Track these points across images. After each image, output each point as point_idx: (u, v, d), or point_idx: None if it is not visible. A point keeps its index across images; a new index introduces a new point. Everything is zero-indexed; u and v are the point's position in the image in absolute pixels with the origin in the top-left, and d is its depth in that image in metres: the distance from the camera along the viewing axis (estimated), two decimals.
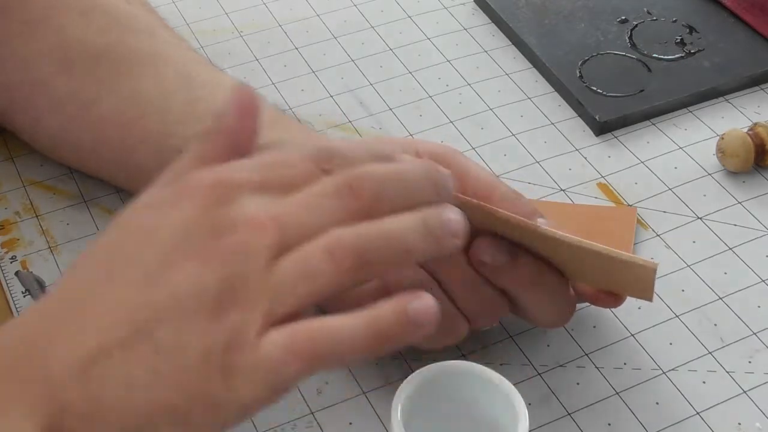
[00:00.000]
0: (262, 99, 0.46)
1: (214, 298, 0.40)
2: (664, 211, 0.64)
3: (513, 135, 0.69)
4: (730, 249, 0.61)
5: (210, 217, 0.42)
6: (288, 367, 0.39)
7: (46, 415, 0.40)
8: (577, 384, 0.55)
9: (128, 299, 0.41)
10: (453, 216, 0.44)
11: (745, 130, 0.66)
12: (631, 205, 0.64)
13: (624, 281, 0.51)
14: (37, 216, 0.64)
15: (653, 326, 0.57)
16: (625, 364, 0.55)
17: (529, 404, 0.46)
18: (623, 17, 0.77)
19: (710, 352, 0.56)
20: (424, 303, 0.41)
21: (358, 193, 0.43)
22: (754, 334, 0.57)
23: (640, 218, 0.63)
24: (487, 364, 0.48)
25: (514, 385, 0.46)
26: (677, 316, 0.58)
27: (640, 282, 0.50)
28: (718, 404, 0.54)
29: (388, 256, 0.42)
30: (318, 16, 0.79)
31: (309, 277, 0.41)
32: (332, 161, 0.44)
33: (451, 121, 0.70)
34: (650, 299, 0.51)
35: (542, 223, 0.50)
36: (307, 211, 0.42)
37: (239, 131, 0.45)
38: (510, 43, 0.76)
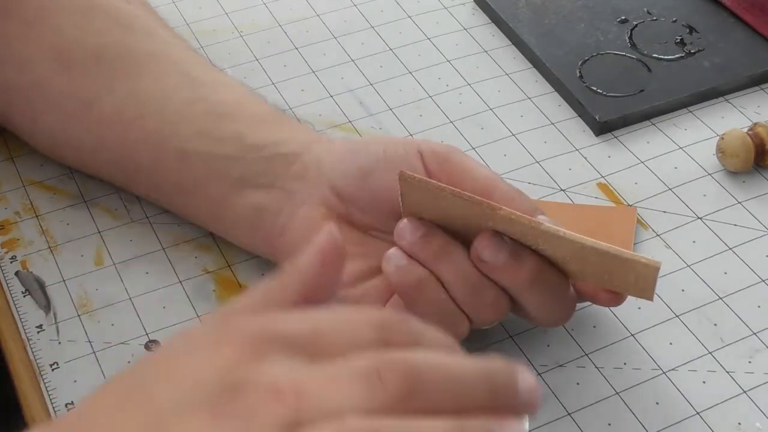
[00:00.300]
0: (342, 251, 0.42)
1: None
2: (664, 211, 0.64)
3: (513, 135, 0.69)
4: (730, 249, 0.62)
5: (234, 372, 0.38)
6: None
7: None
8: (577, 384, 0.55)
9: None
10: (509, 430, 0.38)
11: (745, 130, 0.66)
12: (631, 205, 0.64)
13: (625, 280, 0.51)
14: (37, 216, 0.64)
15: (653, 326, 0.57)
16: (625, 364, 0.55)
17: None
18: (623, 17, 0.77)
19: (710, 352, 0.56)
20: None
21: (388, 382, 0.37)
22: (754, 334, 0.57)
23: (640, 218, 0.63)
24: None
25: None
26: (677, 316, 0.58)
27: (641, 281, 0.50)
28: (718, 404, 0.54)
29: None
30: (318, 16, 0.79)
31: None
32: (397, 333, 0.40)
33: (451, 121, 0.70)
34: (650, 299, 0.51)
35: (544, 221, 0.50)
36: (332, 390, 0.37)
37: (313, 280, 0.42)
38: (510, 43, 0.76)
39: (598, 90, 0.71)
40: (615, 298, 0.53)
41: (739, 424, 0.53)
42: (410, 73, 0.74)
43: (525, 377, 0.39)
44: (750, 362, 0.56)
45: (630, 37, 0.75)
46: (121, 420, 0.39)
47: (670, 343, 0.56)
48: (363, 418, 0.36)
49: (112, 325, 0.58)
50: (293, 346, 0.39)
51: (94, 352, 0.56)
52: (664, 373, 0.55)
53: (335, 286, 0.42)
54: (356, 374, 0.37)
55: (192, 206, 0.60)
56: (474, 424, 0.37)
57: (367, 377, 0.37)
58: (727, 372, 0.55)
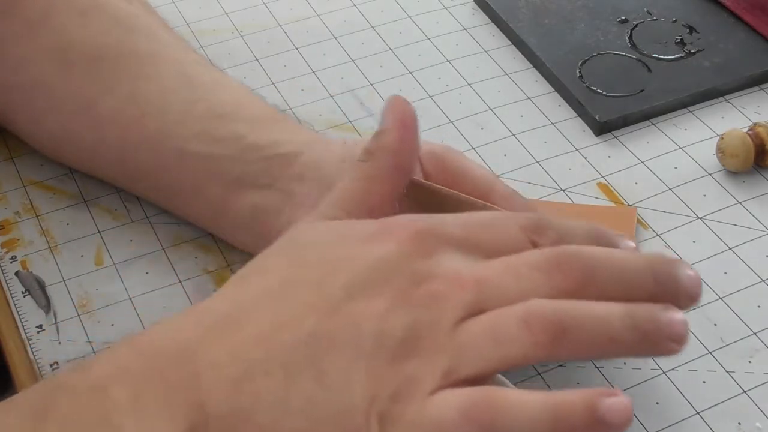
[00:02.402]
0: (415, 112, 0.44)
1: (397, 342, 0.38)
2: (664, 211, 0.64)
3: (513, 135, 0.69)
4: (730, 249, 0.62)
5: (410, 262, 0.39)
6: (455, 430, 0.37)
7: (189, 422, 0.38)
8: (577, 384, 0.55)
9: (303, 322, 0.39)
10: (673, 318, 0.40)
11: (745, 130, 0.66)
12: (631, 205, 0.64)
13: None
14: (37, 216, 0.64)
15: None
16: (625, 363, 0.55)
17: None
18: (623, 17, 0.77)
19: (710, 352, 0.56)
20: (619, 403, 0.38)
21: (567, 272, 0.40)
22: (754, 334, 0.57)
23: (640, 218, 0.63)
24: None
25: (514, 385, 0.46)
26: None
27: None
28: (718, 404, 0.54)
29: (587, 339, 0.39)
30: (318, 16, 0.79)
31: (499, 343, 0.38)
32: (545, 234, 0.42)
33: (451, 121, 0.70)
34: None
35: None
36: (510, 279, 0.40)
37: (402, 150, 0.44)
38: (510, 43, 0.76)
39: (598, 90, 0.71)
40: None
41: (739, 424, 0.53)
42: (410, 73, 0.74)
43: (686, 269, 0.42)
44: (750, 362, 0.56)
45: (630, 37, 0.75)
46: (288, 310, 0.39)
47: None
48: (547, 300, 0.39)
49: (112, 325, 0.58)
50: (456, 243, 0.41)
51: (94, 352, 0.56)
52: (664, 373, 0.55)
53: (418, 149, 0.45)
54: (535, 265, 0.40)
55: (191, 206, 0.60)
56: (641, 308, 0.39)
57: (546, 268, 0.40)
58: (727, 372, 0.55)
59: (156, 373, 0.40)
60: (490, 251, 0.41)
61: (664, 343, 0.40)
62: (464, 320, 0.39)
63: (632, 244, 0.45)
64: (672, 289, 0.41)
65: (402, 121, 0.44)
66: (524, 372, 0.55)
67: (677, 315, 0.40)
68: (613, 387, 0.54)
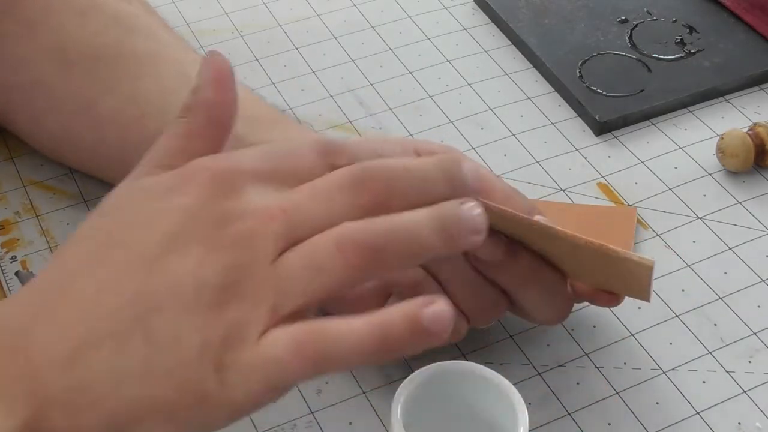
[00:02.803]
0: (232, 68, 0.44)
1: (216, 289, 0.38)
2: (664, 211, 0.64)
3: (513, 135, 0.69)
4: (730, 249, 0.61)
5: (215, 206, 0.40)
6: (290, 367, 0.38)
7: (28, 410, 0.38)
8: (577, 384, 0.55)
9: (122, 286, 0.39)
10: (471, 211, 0.42)
11: (745, 130, 0.66)
12: (631, 205, 0.64)
13: (620, 279, 0.51)
14: (37, 216, 0.64)
15: (653, 326, 0.57)
16: (625, 364, 0.55)
17: (529, 404, 0.46)
18: (623, 17, 0.77)
19: (710, 352, 0.56)
20: (438, 309, 0.39)
21: (369, 187, 0.41)
22: (754, 334, 0.57)
23: (640, 218, 0.63)
24: (487, 364, 0.48)
25: (514, 385, 0.46)
26: (677, 316, 0.58)
27: (636, 280, 0.50)
28: (718, 404, 0.54)
29: (400, 253, 0.40)
30: (318, 16, 0.79)
31: (317, 273, 0.39)
32: (341, 155, 0.43)
33: (451, 121, 0.70)
34: (647, 299, 0.51)
35: (540, 220, 0.50)
36: (317, 203, 0.40)
37: (218, 104, 0.44)
38: (510, 43, 0.76)
39: (598, 90, 0.71)
40: (612, 298, 0.53)
41: (739, 424, 0.53)
42: (410, 73, 0.74)
43: (466, 163, 0.44)
44: (750, 362, 0.56)
45: (630, 37, 0.75)
46: (105, 276, 0.39)
47: (670, 343, 0.56)
48: (356, 222, 0.40)
49: None
50: (258, 177, 0.41)
51: None
52: (664, 373, 0.55)
53: (235, 103, 0.44)
54: (338, 186, 0.41)
55: None
56: (445, 209, 0.41)
57: (348, 186, 0.41)
58: (727, 372, 0.55)
59: None
60: (293, 180, 0.42)
61: (467, 237, 0.41)
62: (280, 254, 0.39)
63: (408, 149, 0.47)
64: (461, 185, 0.43)
65: (217, 77, 0.44)
66: (524, 372, 0.55)
67: (473, 210, 0.42)
68: (612, 387, 0.54)
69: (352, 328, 0.39)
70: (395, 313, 0.39)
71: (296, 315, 0.39)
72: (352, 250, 0.39)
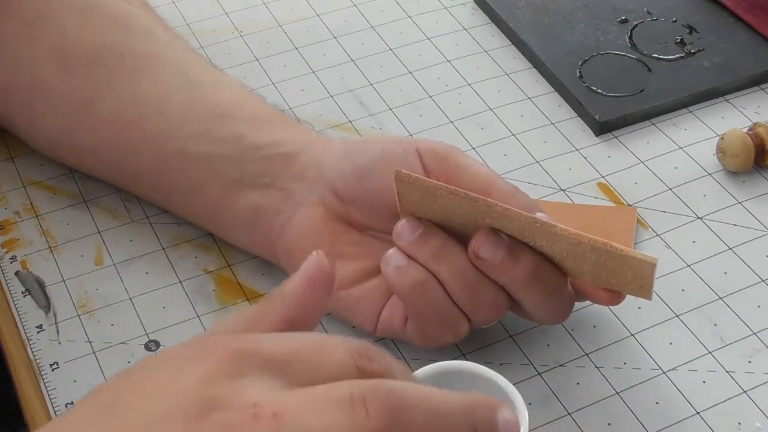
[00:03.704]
0: (333, 274, 0.42)
1: None
2: (664, 211, 0.64)
3: (513, 135, 0.69)
4: (730, 249, 0.61)
5: (210, 388, 0.37)
6: None
7: None
8: (577, 384, 0.55)
9: None
10: None
11: (745, 130, 0.66)
12: (631, 205, 0.64)
13: (623, 277, 0.51)
14: (37, 216, 0.64)
15: (653, 326, 0.57)
16: (625, 364, 0.55)
17: (529, 404, 0.46)
18: (623, 17, 0.77)
19: (710, 352, 0.56)
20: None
21: (373, 411, 0.37)
22: (754, 334, 0.57)
23: (640, 218, 0.63)
24: (487, 363, 0.48)
25: (514, 385, 0.46)
26: (677, 316, 0.58)
27: (638, 278, 0.50)
28: (718, 404, 0.54)
29: None
30: (318, 16, 0.79)
31: None
32: (374, 361, 0.39)
33: (451, 121, 0.70)
34: (648, 298, 0.51)
35: (541, 217, 0.50)
36: (311, 414, 0.37)
37: (299, 303, 0.41)
38: (510, 43, 0.76)
39: (598, 90, 0.71)
40: (614, 297, 0.53)
41: (739, 424, 0.53)
42: (410, 73, 0.74)
43: (505, 414, 0.39)
44: (750, 362, 0.56)
45: (630, 37, 0.75)
46: None
47: (670, 343, 0.56)
48: None
49: (112, 325, 0.58)
50: (271, 366, 0.38)
51: (94, 352, 0.56)
52: (664, 373, 0.55)
53: (322, 310, 0.42)
54: (338, 400, 0.37)
55: (191, 206, 0.60)
56: None
57: (350, 404, 0.37)
58: (727, 372, 0.55)
59: None
60: (310, 377, 0.38)
61: None
62: None
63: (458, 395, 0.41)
64: None
65: (310, 278, 0.42)
66: (524, 372, 0.55)
67: None
68: (612, 387, 0.54)
69: None
70: None
71: None
72: None
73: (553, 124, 0.70)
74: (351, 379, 0.38)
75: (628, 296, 0.53)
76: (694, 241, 0.62)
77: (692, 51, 0.74)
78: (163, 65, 0.61)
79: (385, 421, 0.37)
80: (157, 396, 0.38)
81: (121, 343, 0.57)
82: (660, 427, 0.53)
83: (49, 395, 0.54)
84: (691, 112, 0.71)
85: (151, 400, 0.38)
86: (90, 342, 0.57)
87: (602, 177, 0.66)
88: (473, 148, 0.68)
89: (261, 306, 0.42)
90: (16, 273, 0.60)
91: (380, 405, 0.37)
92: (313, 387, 0.38)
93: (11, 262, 0.61)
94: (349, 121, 0.70)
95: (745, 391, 0.54)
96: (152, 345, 0.57)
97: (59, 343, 0.57)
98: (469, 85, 0.73)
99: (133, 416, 0.38)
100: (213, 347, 0.39)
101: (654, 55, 0.73)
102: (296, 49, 0.76)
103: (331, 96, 0.72)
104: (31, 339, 0.57)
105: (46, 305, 0.59)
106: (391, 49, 0.76)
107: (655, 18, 0.77)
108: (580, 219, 0.63)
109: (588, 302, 0.56)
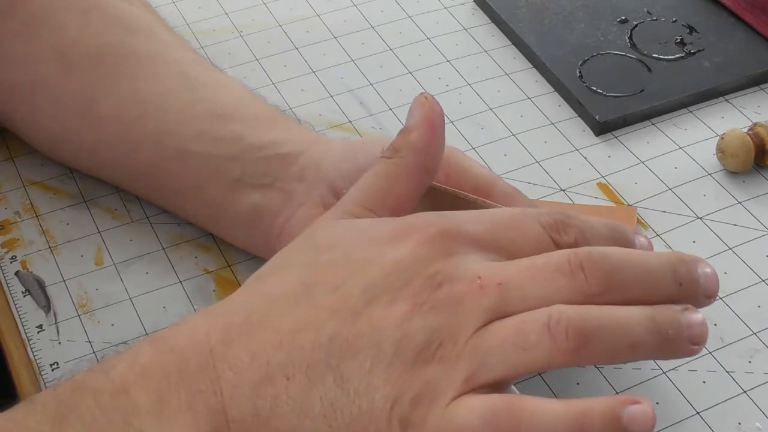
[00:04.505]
0: (443, 112, 0.44)
1: (418, 346, 0.38)
2: (664, 211, 0.64)
3: (513, 135, 0.69)
4: (730, 249, 0.61)
5: (430, 264, 0.39)
6: None
7: (210, 426, 0.38)
8: (577, 384, 0.55)
9: (323, 325, 0.39)
10: (693, 320, 0.41)
11: (745, 130, 0.66)
12: (631, 205, 0.64)
13: None
14: (37, 216, 0.64)
15: None
16: (625, 364, 0.55)
17: None
18: (623, 17, 0.77)
19: (710, 352, 0.56)
20: (641, 410, 0.37)
21: (590, 274, 0.40)
22: (754, 334, 0.57)
23: (640, 218, 0.63)
24: None
25: (514, 385, 0.46)
26: None
27: None
28: (718, 404, 0.54)
29: (610, 346, 0.39)
30: (318, 16, 0.79)
31: (521, 350, 0.38)
32: (567, 232, 0.42)
33: (451, 121, 0.70)
34: None
35: None
36: (533, 282, 0.39)
37: (427, 148, 0.43)
38: (510, 43, 0.76)
39: (598, 90, 0.71)
40: None
41: (739, 424, 0.53)
42: (410, 73, 0.74)
43: (704, 267, 0.42)
44: (750, 362, 0.56)
45: (630, 37, 0.75)
46: (308, 313, 0.39)
47: None
48: (569, 306, 0.38)
49: (112, 325, 0.58)
50: (478, 244, 0.40)
51: (94, 352, 0.56)
52: (664, 373, 0.55)
53: (443, 151, 0.44)
54: (557, 268, 0.39)
55: (191, 206, 0.60)
56: (663, 312, 0.40)
57: (569, 271, 0.39)
58: (727, 372, 0.55)
59: (178, 375, 0.40)
60: (512, 251, 0.41)
61: (684, 345, 0.40)
62: (486, 324, 0.38)
63: (645, 241, 0.45)
64: (691, 289, 0.42)
65: (430, 119, 0.44)
66: None
67: (697, 316, 0.41)
68: (613, 387, 0.54)
69: (549, 409, 0.37)
70: (596, 405, 0.37)
71: (491, 387, 0.38)
72: (562, 332, 0.38)
73: (553, 124, 0.70)
74: (548, 251, 0.41)
75: None
76: (694, 241, 0.62)
77: (692, 51, 0.74)
78: (164, 65, 0.61)
79: (602, 283, 0.39)
80: (373, 271, 0.39)
81: (122, 343, 0.57)
82: (660, 427, 0.53)
83: None
84: (691, 112, 0.71)
85: (367, 275, 0.39)
86: (90, 342, 0.57)
87: (602, 177, 0.66)
88: (473, 148, 0.68)
89: (393, 162, 0.43)
90: (16, 273, 0.60)
91: (596, 269, 0.40)
92: (532, 258, 0.40)
93: (11, 262, 0.61)
94: (349, 121, 0.70)
95: (745, 391, 0.54)
96: None
97: (59, 343, 0.57)
98: (469, 85, 0.73)
99: (344, 292, 0.39)
100: (418, 227, 0.40)
101: (654, 55, 0.73)
102: (296, 49, 0.76)
103: (331, 96, 0.72)
104: (31, 339, 0.57)
105: (46, 305, 0.59)
106: (391, 49, 0.76)
107: (655, 18, 0.77)
108: None
109: None
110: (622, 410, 0.37)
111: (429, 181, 0.45)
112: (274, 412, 0.38)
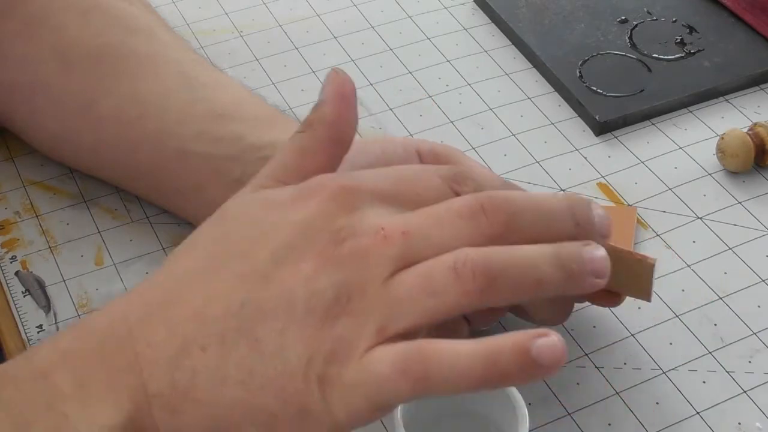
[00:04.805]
0: (354, 85, 0.45)
1: (327, 303, 0.38)
2: (664, 211, 0.64)
3: (513, 135, 0.69)
4: (730, 249, 0.61)
5: (333, 221, 0.40)
6: (393, 386, 0.37)
7: (132, 404, 0.39)
8: (577, 384, 0.55)
9: (233, 293, 0.39)
10: (595, 254, 0.41)
11: (745, 130, 0.66)
12: (631, 205, 0.64)
13: (623, 278, 0.51)
14: (37, 216, 0.64)
15: (653, 326, 0.57)
16: (625, 364, 0.55)
17: (529, 404, 0.46)
18: (623, 17, 0.77)
19: (710, 352, 0.56)
20: (550, 342, 0.38)
21: (492, 216, 0.40)
22: (754, 334, 0.57)
23: (640, 218, 0.63)
24: None
25: (517, 391, 0.46)
26: (677, 316, 0.58)
27: (638, 279, 0.50)
28: (718, 404, 0.54)
29: (516, 283, 0.39)
30: (318, 16, 0.79)
31: (431, 295, 0.38)
32: (465, 183, 0.43)
33: (451, 121, 0.70)
34: (648, 299, 0.51)
35: None
36: (436, 228, 0.40)
37: (339, 121, 0.44)
38: (510, 43, 0.76)
39: (598, 90, 0.71)
40: (613, 298, 0.53)
41: (739, 424, 0.53)
42: (410, 73, 0.74)
43: (597, 208, 0.44)
44: (750, 362, 0.56)
45: (630, 37, 0.75)
46: (218, 283, 0.40)
47: (670, 343, 0.56)
48: (474, 248, 0.39)
49: None
50: (380, 197, 0.41)
51: None
52: (664, 373, 0.55)
53: (356, 121, 0.44)
54: (458, 212, 0.40)
55: (191, 206, 0.60)
56: (567, 247, 0.41)
57: (470, 213, 0.40)
58: (727, 372, 0.55)
59: (98, 357, 0.40)
60: (414, 203, 0.41)
61: (587, 278, 0.41)
62: (393, 274, 0.39)
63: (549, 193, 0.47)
64: (588, 228, 0.43)
65: (340, 93, 0.44)
66: None
67: (598, 251, 0.41)
68: (612, 387, 0.54)
69: (458, 351, 0.38)
70: (505, 341, 0.38)
71: (403, 336, 0.39)
72: (468, 273, 0.39)
73: (553, 124, 0.70)
74: (449, 199, 0.41)
75: (627, 297, 0.53)
76: (694, 241, 0.62)
77: (692, 51, 0.74)
78: (164, 65, 0.61)
79: (503, 224, 0.40)
80: (275, 235, 0.40)
81: None
82: (660, 427, 0.53)
83: None
84: (691, 112, 0.71)
85: (270, 239, 0.40)
86: None
87: (602, 177, 0.66)
88: (473, 148, 0.68)
89: (305, 136, 0.44)
90: (16, 273, 0.60)
91: (497, 210, 0.40)
92: (433, 206, 0.41)
93: (11, 262, 0.61)
94: None
95: (745, 391, 0.54)
96: None
97: None
98: (469, 85, 0.73)
99: (254, 257, 0.40)
100: (317, 187, 0.41)
101: (654, 55, 0.73)
102: (296, 49, 0.76)
103: None
104: (31, 339, 0.57)
105: (46, 305, 0.59)
106: (391, 49, 0.76)
107: (655, 18, 0.77)
108: None
109: (588, 303, 0.56)
110: (531, 343, 0.37)
111: (342, 153, 0.46)
112: (192, 384, 0.39)
